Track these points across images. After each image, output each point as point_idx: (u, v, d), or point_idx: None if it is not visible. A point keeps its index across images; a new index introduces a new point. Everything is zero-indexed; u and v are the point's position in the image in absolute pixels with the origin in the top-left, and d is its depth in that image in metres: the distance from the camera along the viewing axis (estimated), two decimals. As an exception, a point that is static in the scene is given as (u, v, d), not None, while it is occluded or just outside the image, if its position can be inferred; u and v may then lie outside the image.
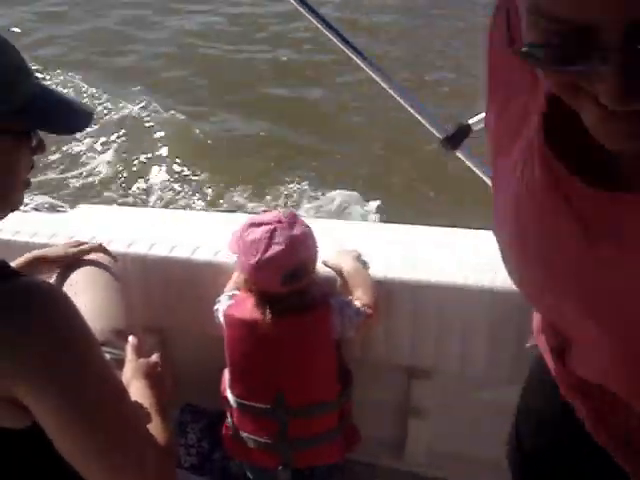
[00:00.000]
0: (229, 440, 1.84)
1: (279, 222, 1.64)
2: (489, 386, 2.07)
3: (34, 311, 1.01)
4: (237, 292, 1.78)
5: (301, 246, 1.65)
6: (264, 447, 1.75)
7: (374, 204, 5.09)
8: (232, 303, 1.77)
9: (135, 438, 1.13)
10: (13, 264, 1.72)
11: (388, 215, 4.29)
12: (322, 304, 1.69)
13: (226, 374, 1.80)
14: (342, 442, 1.82)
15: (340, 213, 5.07)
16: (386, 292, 1.83)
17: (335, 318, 1.69)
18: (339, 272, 1.80)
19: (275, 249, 1.61)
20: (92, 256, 1.84)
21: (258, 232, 1.63)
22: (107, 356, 1.52)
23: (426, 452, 2.20)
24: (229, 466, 1.93)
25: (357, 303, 1.73)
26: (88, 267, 1.80)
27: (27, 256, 1.78)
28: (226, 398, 1.79)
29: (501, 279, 1.77)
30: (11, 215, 2.32)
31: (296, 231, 1.65)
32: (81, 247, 1.86)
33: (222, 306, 1.78)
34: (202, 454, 2.05)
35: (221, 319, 1.77)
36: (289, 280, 1.64)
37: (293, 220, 1.67)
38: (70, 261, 1.80)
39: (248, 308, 1.71)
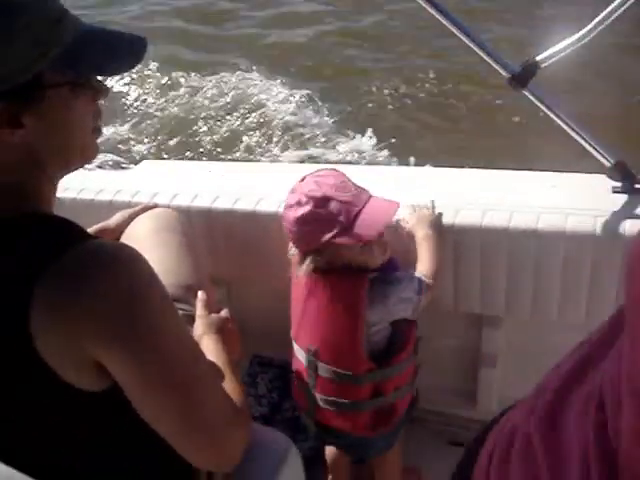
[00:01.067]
0: (295, 391, 1.85)
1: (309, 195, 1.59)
2: (562, 331, 2.01)
3: (109, 272, 0.99)
4: None
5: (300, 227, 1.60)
6: (303, 390, 1.76)
7: (439, 147, 5.01)
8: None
9: (211, 397, 1.13)
10: None
11: (454, 159, 4.19)
12: (359, 276, 1.63)
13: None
14: (370, 419, 1.73)
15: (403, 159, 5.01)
16: (454, 238, 1.79)
17: (376, 297, 1.62)
18: (412, 238, 1.76)
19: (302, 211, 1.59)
20: (154, 214, 1.85)
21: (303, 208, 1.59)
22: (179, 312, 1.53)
23: (498, 400, 2.17)
24: (299, 417, 1.93)
25: (417, 274, 1.69)
26: (151, 225, 1.80)
27: (91, 230, 1.78)
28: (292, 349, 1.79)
29: (573, 221, 1.71)
30: (75, 173, 2.38)
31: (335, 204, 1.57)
32: (135, 208, 1.87)
33: None
34: (272, 404, 2.06)
35: None
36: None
37: (332, 186, 1.59)
38: (129, 224, 1.82)
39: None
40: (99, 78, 1.15)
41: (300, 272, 1.64)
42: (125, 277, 1.00)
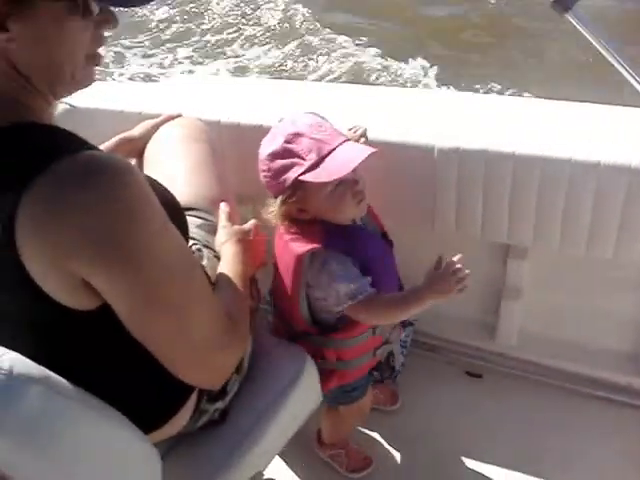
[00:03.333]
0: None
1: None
2: (588, 267, 2.00)
3: (95, 185, 0.94)
4: None
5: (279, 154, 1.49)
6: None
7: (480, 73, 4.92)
8: None
9: (202, 317, 1.11)
10: (102, 147, 1.71)
11: (491, 86, 4.10)
12: (306, 238, 1.52)
13: None
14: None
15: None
16: (485, 166, 1.75)
17: (314, 273, 1.52)
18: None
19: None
20: (179, 122, 1.83)
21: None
22: (198, 221, 1.52)
23: (518, 334, 2.17)
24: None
25: (368, 290, 1.49)
26: (176, 134, 1.79)
27: (114, 139, 1.77)
28: None
29: (609, 153, 1.67)
30: (105, 85, 2.36)
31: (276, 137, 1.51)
32: (160, 118, 1.85)
33: None
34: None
35: None
36: (277, 189, 1.52)
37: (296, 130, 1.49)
38: (153, 133, 1.81)
39: None
40: (111, 8, 1.07)
41: (270, 216, 1.55)
42: (113, 192, 0.95)
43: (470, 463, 1.95)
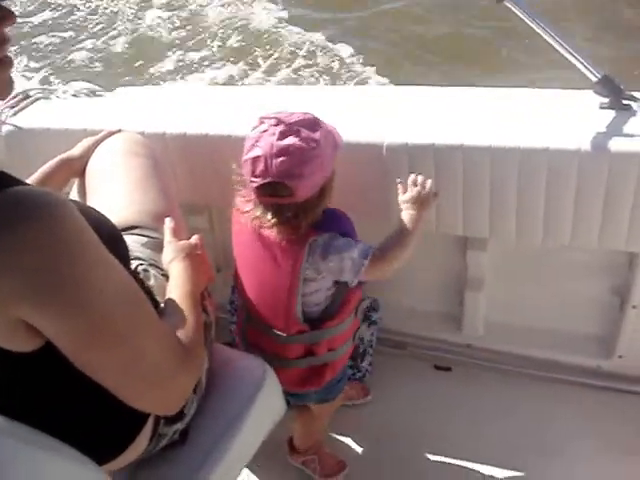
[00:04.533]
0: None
1: (276, 125, 1.42)
2: (548, 253, 1.99)
3: (28, 223, 0.89)
4: None
5: (281, 157, 1.40)
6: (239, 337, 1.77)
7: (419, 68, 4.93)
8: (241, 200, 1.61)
9: (152, 346, 1.06)
10: (41, 169, 1.68)
11: (437, 78, 4.09)
12: (300, 238, 1.50)
13: None
14: (299, 375, 1.67)
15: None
16: (435, 158, 1.73)
17: (315, 258, 1.51)
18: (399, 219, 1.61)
19: (254, 152, 1.43)
20: (119, 138, 1.79)
21: (255, 130, 1.46)
22: (143, 239, 1.48)
23: (485, 324, 2.16)
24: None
25: (373, 244, 1.54)
26: (116, 151, 1.74)
27: (54, 161, 1.73)
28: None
29: (558, 138, 1.65)
30: (49, 103, 2.31)
31: (288, 141, 1.40)
32: (99, 135, 1.81)
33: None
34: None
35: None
36: (263, 190, 1.45)
37: (295, 128, 1.42)
38: (94, 151, 1.76)
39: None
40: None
41: (258, 219, 1.50)
42: (47, 228, 0.90)
43: (445, 457, 1.94)
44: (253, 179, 1.44)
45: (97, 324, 0.97)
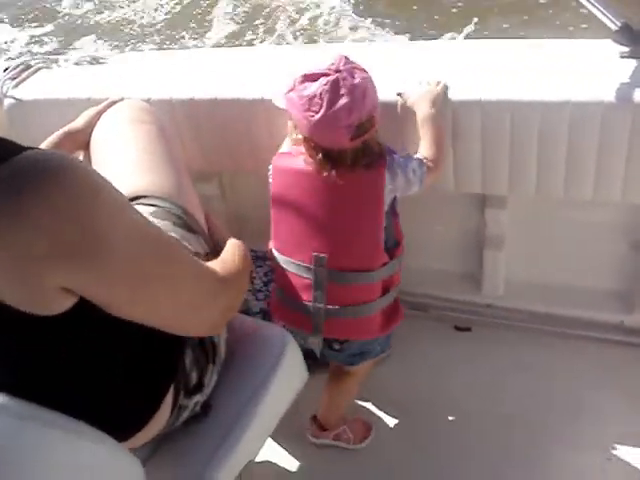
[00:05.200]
0: (272, 298, 1.76)
1: (337, 71, 1.45)
2: (569, 209, 1.94)
3: (43, 189, 0.88)
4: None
5: (367, 95, 1.47)
6: (301, 309, 1.63)
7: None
8: (280, 157, 1.63)
9: (189, 274, 1.13)
10: (44, 143, 1.65)
11: (450, 30, 3.98)
12: (378, 161, 1.53)
13: (272, 228, 1.68)
14: (381, 318, 1.66)
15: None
16: (453, 114, 1.68)
17: (390, 176, 1.54)
18: (412, 114, 1.65)
19: (342, 102, 1.43)
20: (122, 106, 1.74)
21: (316, 85, 1.45)
22: (151, 209, 1.44)
23: (505, 284, 2.12)
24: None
25: (418, 155, 1.60)
26: (119, 120, 1.69)
27: (57, 134, 1.69)
28: (271, 253, 1.69)
29: (579, 88, 1.60)
30: (51, 72, 2.25)
31: (358, 79, 1.46)
32: (101, 105, 1.76)
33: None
34: (270, 297, 2.01)
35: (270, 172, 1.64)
36: (356, 134, 1.47)
37: (351, 67, 1.48)
38: (97, 121, 1.72)
39: (299, 164, 1.56)
40: None
41: (314, 167, 1.52)
42: (63, 191, 0.90)
43: (469, 418, 1.92)
44: (347, 124, 1.46)
45: (131, 267, 1.00)
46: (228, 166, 2.06)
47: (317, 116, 1.45)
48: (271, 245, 1.68)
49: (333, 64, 1.47)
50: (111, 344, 1.10)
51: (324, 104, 1.44)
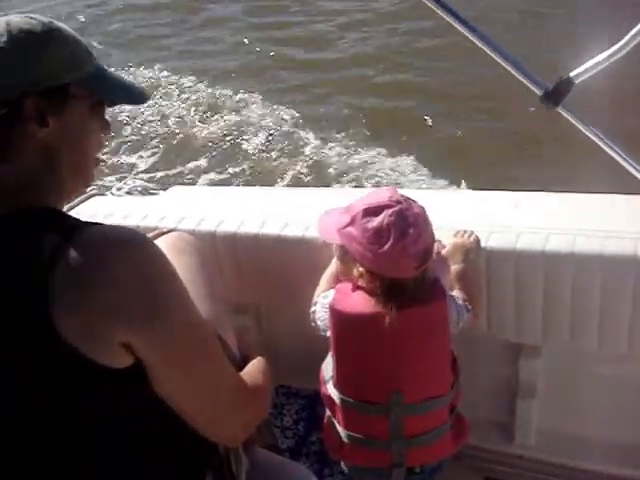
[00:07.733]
0: (331, 439, 1.70)
1: (399, 202, 1.49)
2: (603, 362, 1.92)
3: (120, 256, 1.01)
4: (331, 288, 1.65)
5: (428, 223, 1.51)
6: (377, 446, 1.60)
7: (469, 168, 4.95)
8: (337, 297, 1.59)
9: (229, 373, 1.20)
10: None
11: (489, 182, 4.11)
12: (439, 292, 1.56)
13: (327, 369, 1.66)
14: (452, 435, 1.66)
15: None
16: (487, 262, 1.71)
17: (451, 308, 1.57)
18: (446, 262, 1.70)
19: (410, 231, 1.46)
20: (167, 238, 1.81)
21: (381, 217, 1.47)
22: None
23: (537, 434, 2.07)
24: (325, 451, 1.84)
25: (459, 300, 1.63)
26: (168, 250, 1.75)
27: None
28: (326, 394, 1.66)
29: (613, 245, 1.62)
30: (104, 199, 2.36)
31: (417, 209, 1.50)
32: (151, 234, 1.83)
33: (324, 302, 1.62)
34: (299, 436, 1.99)
35: (325, 316, 1.61)
36: (421, 262, 1.49)
37: (406, 198, 1.52)
38: None
39: (361, 301, 1.54)
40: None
41: (376, 302, 1.51)
42: (137, 259, 1.03)
43: None
44: (414, 252, 1.48)
45: (183, 337, 1.09)
46: (265, 299, 2.10)
47: (386, 247, 1.46)
48: (330, 388, 1.65)
49: (389, 197, 1.50)
50: (145, 433, 1.14)
51: (392, 235, 1.45)
